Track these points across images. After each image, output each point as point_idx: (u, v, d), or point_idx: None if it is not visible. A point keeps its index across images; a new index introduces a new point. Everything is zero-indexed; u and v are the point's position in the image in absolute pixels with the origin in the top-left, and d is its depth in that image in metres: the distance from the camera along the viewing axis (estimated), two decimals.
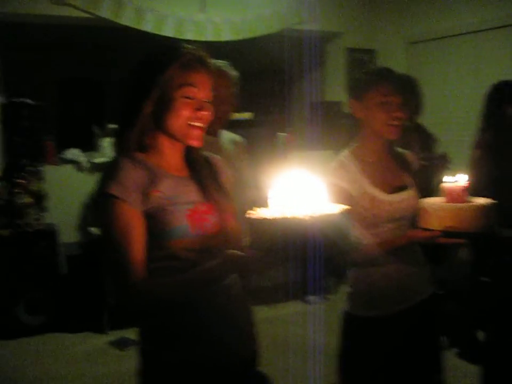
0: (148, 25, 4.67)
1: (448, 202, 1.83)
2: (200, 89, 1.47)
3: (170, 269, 1.41)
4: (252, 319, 1.61)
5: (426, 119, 3.54)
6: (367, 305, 2.02)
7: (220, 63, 2.65)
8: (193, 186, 1.53)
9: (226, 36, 5.00)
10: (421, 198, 1.97)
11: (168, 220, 1.41)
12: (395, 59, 5.43)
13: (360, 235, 1.94)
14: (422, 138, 3.43)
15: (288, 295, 4.63)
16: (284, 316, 4.40)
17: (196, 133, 1.48)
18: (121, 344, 4.01)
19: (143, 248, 1.39)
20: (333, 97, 5.76)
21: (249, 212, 1.26)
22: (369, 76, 2.05)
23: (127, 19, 4.58)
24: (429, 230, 1.85)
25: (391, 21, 5.54)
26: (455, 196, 1.83)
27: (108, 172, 1.42)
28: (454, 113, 4.83)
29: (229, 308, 1.50)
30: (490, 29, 4.56)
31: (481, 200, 1.84)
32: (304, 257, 1.16)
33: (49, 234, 4.32)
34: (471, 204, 1.80)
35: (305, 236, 1.15)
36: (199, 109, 1.47)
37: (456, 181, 1.85)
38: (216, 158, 1.68)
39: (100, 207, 1.41)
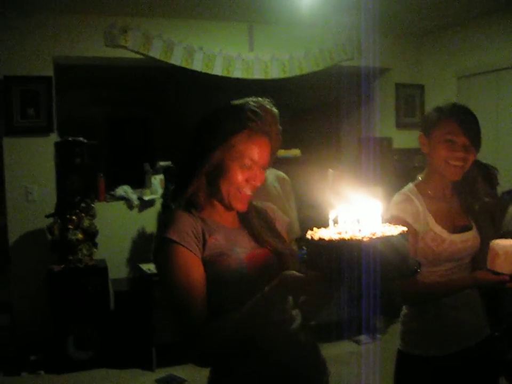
0: (198, 64, 4.78)
1: None
2: (257, 161, 1.51)
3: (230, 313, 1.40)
4: (317, 351, 1.60)
5: (478, 155, 3.43)
6: (421, 344, 1.97)
7: (261, 100, 2.70)
8: (246, 235, 1.57)
9: (274, 73, 5.06)
10: (488, 238, 1.90)
11: (227, 262, 1.44)
12: (444, 94, 5.36)
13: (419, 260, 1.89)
14: (484, 174, 3.35)
15: (339, 334, 4.53)
16: (335, 356, 4.30)
17: (244, 198, 1.53)
18: (168, 382, 3.97)
19: (204, 292, 1.41)
20: (383, 133, 5.71)
21: (308, 232, 1.28)
22: (438, 112, 2.03)
23: (177, 59, 4.70)
24: (498, 273, 1.78)
25: (439, 55, 5.49)
26: None
27: (168, 221, 1.48)
28: (506, 147, 4.70)
29: (290, 343, 1.49)
30: None
31: None
32: (360, 279, 1.16)
33: (100, 270, 4.37)
34: None
35: (363, 257, 1.15)
36: (252, 178, 1.52)
37: None
38: (266, 205, 1.72)
39: (160, 252, 1.44)
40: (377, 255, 1.16)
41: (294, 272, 1.31)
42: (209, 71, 4.82)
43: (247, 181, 1.50)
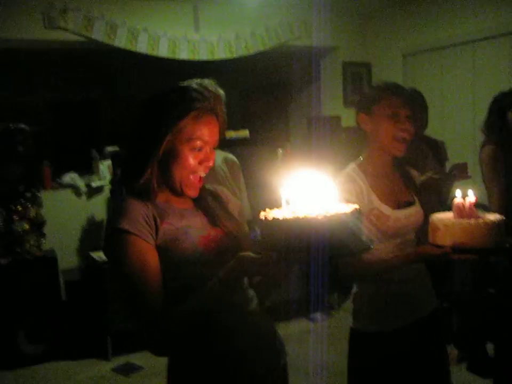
0: (142, 46, 4.66)
1: (458, 218, 1.80)
2: (208, 141, 1.50)
3: (186, 297, 1.40)
4: (274, 333, 1.62)
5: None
6: (372, 321, 2.01)
7: (205, 81, 2.67)
8: (200, 215, 1.56)
9: (220, 54, 5.00)
10: (431, 213, 1.94)
11: (182, 248, 1.43)
12: (391, 72, 5.43)
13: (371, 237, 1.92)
14: (432, 149, 3.44)
15: (294, 313, 4.58)
16: (290, 335, 4.34)
17: (197, 183, 1.52)
18: (125, 370, 3.94)
19: (159, 280, 1.40)
20: (331, 112, 5.75)
21: (262, 213, 1.27)
22: (378, 90, 2.06)
23: (120, 41, 4.57)
24: (439, 246, 1.82)
25: (386, 33, 5.54)
26: (465, 212, 1.79)
27: (118, 209, 1.45)
28: (451, 124, 4.81)
29: (248, 325, 1.51)
30: (486, 38, 4.54)
31: (491, 216, 1.80)
32: (315, 257, 1.16)
33: (49, 260, 4.27)
34: (482, 220, 1.77)
35: (318, 235, 1.15)
36: (205, 160, 1.50)
37: (465, 196, 1.82)
38: (219, 189, 1.72)
39: (113, 243, 1.42)
40: (331, 233, 1.17)
41: (249, 253, 1.31)
42: (154, 53, 4.71)
43: (200, 163, 1.49)
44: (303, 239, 1.16)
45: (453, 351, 3.68)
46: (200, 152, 1.49)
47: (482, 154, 3.26)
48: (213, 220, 1.56)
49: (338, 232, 1.18)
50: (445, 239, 1.79)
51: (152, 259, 1.40)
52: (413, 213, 2.05)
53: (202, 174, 1.52)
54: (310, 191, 1.25)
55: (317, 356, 3.77)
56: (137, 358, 4.05)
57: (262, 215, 1.27)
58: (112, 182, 4.76)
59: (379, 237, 1.98)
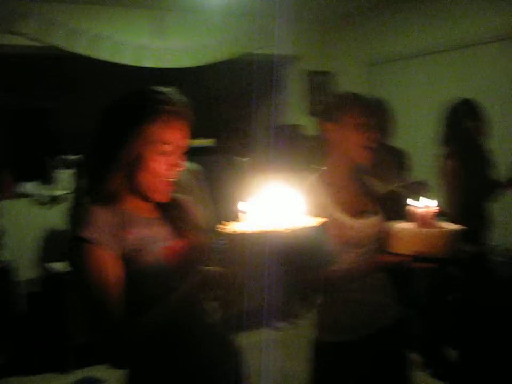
0: (105, 53, 4.60)
1: (418, 227, 1.81)
2: (177, 145, 1.46)
3: (148, 310, 1.36)
4: (235, 344, 1.62)
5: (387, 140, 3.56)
6: (335, 331, 2.01)
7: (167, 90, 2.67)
8: (164, 226, 1.53)
9: (185, 62, 4.97)
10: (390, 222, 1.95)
11: (143, 260, 1.40)
12: (354, 81, 5.48)
13: (335, 251, 1.93)
14: (395, 158, 3.48)
15: (257, 322, 4.55)
16: (252, 344, 4.32)
17: (166, 189, 1.49)
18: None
19: (120, 291, 1.36)
20: (295, 120, 5.77)
21: (221, 226, 1.25)
22: (345, 99, 2.06)
23: (81, 47, 4.50)
24: (398, 255, 1.83)
25: (350, 43, 5.60)
26: (425, 221, 1.81)
27: (81, 217, 1.41)
28: (413, 133, 4.88)
29: (209, 338, 1.50)
30: (445, 50, 4.65)
31: (450, 226, 1.83)
32: (280, 272, 1.15)
33: (6, 272, 4.15)
34: (440, 229, 1.79)
35: (285, 249, 1.14)
36: (174, 165, 1.46)
37: (426, 206, 1.84)
38: (185, 199, 1.68)
39: (75, 252, 1.37)
40: (298, 247, 1.15)
41: (210, 267, 1.28)
42: (117, 61, 4.66)
43: (169, 168, 1.45)
44: (269, 254, 1.14)
45: (415, 358, 3.72)
46: (169, 157, 1.45)
47: (445, 168, 3.31)
48: (178, 230, 1.53)
49: (305, 246, 1.17)
50: (405, 248, 1.80)
51: (114, 269, 1.36)
52: (375, 222, 2.06)
53: (172, 179, 1.48)
54: (275, 203, 1.22)
55: (279, 365, 3.75)
56: (98, 371, 3.96)
57: (226, 227, 1.24)
58: (76, 190, 4.66)
59: (341, 247, 1.98)
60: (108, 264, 1.36)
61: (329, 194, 2.02)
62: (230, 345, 1.60)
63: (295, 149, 5.61)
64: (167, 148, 1.43)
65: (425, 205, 1.84)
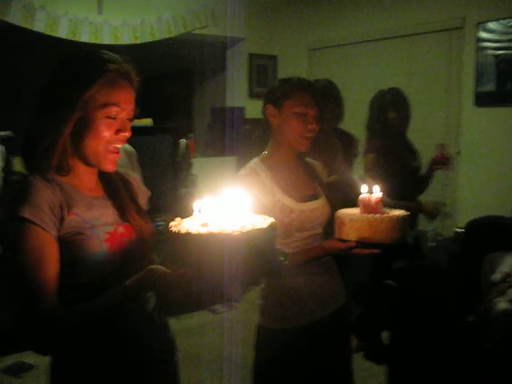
0: (39, 25, 4.39)
1: (363, 213, 1.83)
2: (124, 107, 1.36)
3: (87, 299, 1.27)
4: (169, 330, 1.56)
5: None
6: (280, 318, 1.98)
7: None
8: (110, 206, 1.44)
9: (124, 39, 4.82)
10: (338, 208, 1.96)
11: (85, 245, 1.31)
12: (296, 65, 5.50)
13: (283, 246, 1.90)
14: (344, 141, 3.48)
15: (193, 305, 4.53)
16: (192, 327, 4.31)
17: (113, 157, 1.39)
18: (16, 370, 3.70)
19: (56, 276, 1.27)
20: (236, 102, 5.74)
21: (171, 224, 1.20)
22: (290, 84, 2.02)
23: (14, 17, 4.27)
24: (344, 240, 1.84)
25: (293, 27, 5.61)
26: (370, 207, 1.83)
27: (19, 192, 1.28)
28: (352, 119, 4.96)
29: (143, 325, 1.43)
30: (387, 38, 4.74)
31: (396, 212, 1.85)
32: (231, 276, 1.10)
33: None
34: (386, 215, 1.81)
35: (233, 253, 1.10)
36: (121, 129, 1.37)
37: (371, 192, 1.85)
38: (132, 177, 1.59)
39: (10, 231, 1.27)
40: (247, 251, 1.11)
41: (161, 267, 1.22)
42: (53, 33, 4.45)
43: (116, 133, 1.36)
44: (217, 257, 1.10)
45: (352, 340, 3.80)
46: (115, 121, 1.35)
47: (365, 162, 3.34)
48: (122, 212, 1.44)
49: (255, 249, 1.12)
50: (350, 234, 1.82)
51: (52, 252, 1.27)
52: (318, 206, 2.04)
53: (119, 145, 1.39)
54: (224, 202, 1.18)
55: (217, 347, 3.76)
56: (28, 357, 3.83)
57: (173, 225, 1.18)
58: (4, 169, 4.44)
59: (284, 230, 1.96)
60: (48, 247, 1.26)
61: (270, 177, 1.99)
62: (165, 333, 1.54)
63: (236, 131, 5.59)
64: (114, 110, 1.34)
65: (369, 191, 1.86)
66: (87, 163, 1.39)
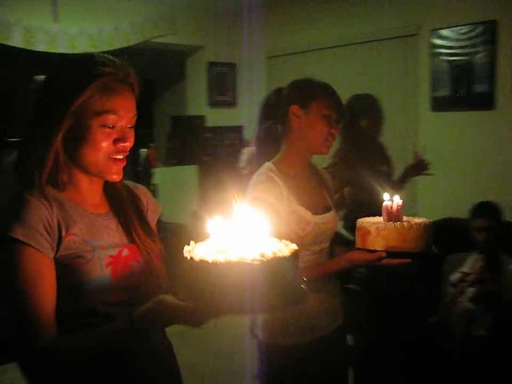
0: None
1: (388, 221, 1.75)
2: (122, 115, 1.23)
3: (87, 327, 1.17)
4: (175, 359, 1.42)
5: None
6: (285, 333, 1.89)
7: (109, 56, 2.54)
8: (115, 225, 1.31)
9: (81, 47, 4.75)
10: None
11: (86, 269, 1.19)
12: (255, 73, 5.52)
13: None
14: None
15: None
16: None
17: (117, 167, 1.25)
18: None
19: (53, 302, 1.16)
20: (196, 111, 5.72)
21: (185, 249, 1.07)
22: (318, 86, 1.95)
23: None
24: (371, 251, 1.74)
25: (251, 35, 5.63)
26: (393, 215, 1.75)
27: (12, 211, 1.17)
28: None
29: (152, 353, 1.30)
30: (345, 45, 4.81)
31: (417, 219, 1.78)
32: (252, 309, 1.00)
33: None
34: (414, 222, 1.74)
35: (254, 283, 0.98)
36: (121, 139, 1.23)
37: (393, 200, 1.78)
38: (141, 190, 1.44)
39: (3, 253, 1.16)
40: (271, 280, 1.00)
41: (170, 298, 1.08)
42: (6, 42, 4.35)
43: (114, 143, 1.22)
44: (236, 288, 0.99)
45: None
46: (113, 130, 1.22)
47: (333, 166, 3.32)
48: (128, 231, 1.30)
49: (278, 280, 1.01)
50: (377, 243, 1.72)
51: (48, 277, 1.16)
52: (331, 218, 1.95)
53: (120, 157, 1.24)
54: (240, 224, 1.06)
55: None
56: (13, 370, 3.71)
57: (186, 252, 1.06)
58: None
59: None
60: (44, 271, 1.15)
61: (287, 185, 1.87)
62: (171, 362, 1.39)
63: (196, 139, 5.56)
64: (110, 118, 1.21)
65: (391, 199, 1.78)
66: (89, 174, 1.26)
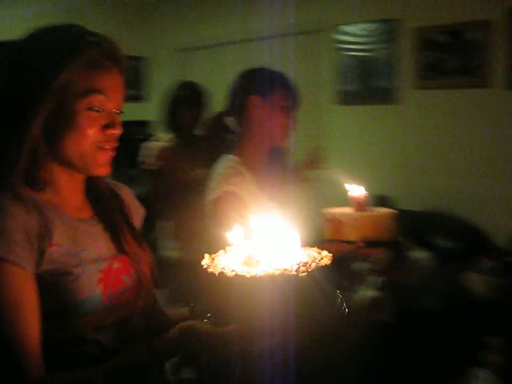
0: None
1: (358, 211, 1.75)
2: (111, 97, 1.03)
3: (78, 356, 0.99)
4: None
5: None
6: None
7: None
8: (101, 231, 1.11)
9: None
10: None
11: (74, 288, 0.98)
12: (166, 66, 5.49)
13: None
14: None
15: None
16: None
17: (105, 158, 1.05)
18: None
19: (39, 330, 0.95)
20: None
21: (204, 264, 0.91)
22: (276, 76, 1.87)
23: None
24: (346, 242, 1.72)
25: (161, 29, 5.59)
26: (361, 205, 1.75)
27: None
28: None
29: None
30: (254, 39, 4.85)
31: (382, 209, 1.80)
32: (299, 327, 0.86)
33: None
34: (384, 212, 1.76)
35: (302, 297, 0.85)
36: (110, 125, 1.04)
37: (359, 190, 1.78)
38: (123, 189, 1.23)
39: None
40: (317, 292, 0.89)
41: (201, 324, 0.90)
42: None
43: (103, 129, 1.03)
44: (284, 304, 0.84)
45: None
46: (101, 115, 1.02)
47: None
48: (117, 239, 1.11)
49: (322, 291, 0.91)
50: (352, 234, 1.70)
51: (33, 301, 0.94)
52: (295, 211, 1.85)
53: (111, 146, 1.05)
54: (267, 233, 0.92)
55: None
56: None
57: (208, 265, 0.90)
58: None
59: None
60: (29, 294, 0.94)
61: (253, 179, 1.80)
62: None
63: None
64: (97, 99, 1.01)
65: (358, 189, 1.78)
66: (72, 169, 1.05)
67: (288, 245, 0.92)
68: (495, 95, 3.64)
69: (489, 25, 3.58)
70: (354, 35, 4.30)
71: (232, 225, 0.95)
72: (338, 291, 0.99)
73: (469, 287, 3.18)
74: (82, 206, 1.11)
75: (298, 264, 0.86)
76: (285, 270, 0.84)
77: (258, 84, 1.85)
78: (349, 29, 4.33)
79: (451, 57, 3.79)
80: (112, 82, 1.04)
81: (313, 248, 0.97)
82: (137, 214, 1.23)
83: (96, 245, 1.07)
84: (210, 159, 1.97)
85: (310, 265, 0.87)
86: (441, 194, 3.81)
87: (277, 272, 0.84)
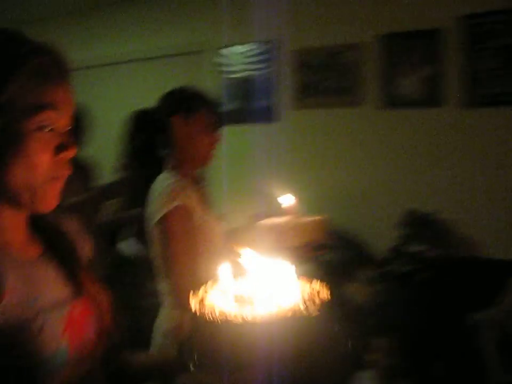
0: None
1: (293, 219, 1.87)
2: (63, 112, 0.88)
3: None
4: None
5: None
6: None
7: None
8: (53, 273, 0.95)
9: None
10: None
11: (36, 346, 0.82)
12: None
13: None
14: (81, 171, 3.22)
15: None
16: None
17: (56, 191, 0.89)
18: None
19: None
20: None
21: (194, 307, 0.80)
22: (197, 95, 1.92)
23: None
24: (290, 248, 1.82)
25: (62, 43, 5.45)
26: (294, 212, 1.88)
27: None
28: (103, 141, 4.89)
29: None
30: (140, 59, 4.91)
31: (311, 216, 1.93)
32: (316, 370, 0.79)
33: None
34: (319, 217, 1.89)
35: (316, 340, 0.79)
36: (63, 146, 0.87)
37: (289, 200, 1.90)
38: (64, 219, 1.06)
39: None
40: (311, 339, 0.80)
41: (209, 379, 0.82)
42: None
43: (56, 153, 0.86)
44: (287, 349, 0.75)
45: None
46: (52, 135, 0.86)
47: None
48: (73, 279, 0.96)
49: (330, 333, 0.84)
50: (297, 239, 1.82)
51: None
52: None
53: (61, 175, 0.89)
54: (259, 270, 0.84)
55: None
56: None
57: (198, 308, 0.80)
58: None
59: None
60: None
61: (193, 196, 1.84)
62: None
63: None
64: (50, 116, 0.85)
65: (288, 199, 1.90)
66: (17, 204, 0.88)
67: (280, 280, 0.84)
68: (366, 114, 3.90)
69: (361, 48, 3.84)
70: (236, 55, 4.42)
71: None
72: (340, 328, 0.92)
73: (350, 296, 3.35)
74: (28, 243, 0.94)
75: (304, 301, 0.78)
76: (293, 310, 0.76)
77: (179, 105, 1.91)
78: (231, 49, 4.43)
79: (327, 78, 4.01)
80: (64, 95, 0.89)
81: (306, 280, 0.88)
82: (84, 248, 1.07)
83: (50, 288, 0.91)
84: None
85: (314, 301, 0.79)
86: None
87: (288, 316, 0.75)
